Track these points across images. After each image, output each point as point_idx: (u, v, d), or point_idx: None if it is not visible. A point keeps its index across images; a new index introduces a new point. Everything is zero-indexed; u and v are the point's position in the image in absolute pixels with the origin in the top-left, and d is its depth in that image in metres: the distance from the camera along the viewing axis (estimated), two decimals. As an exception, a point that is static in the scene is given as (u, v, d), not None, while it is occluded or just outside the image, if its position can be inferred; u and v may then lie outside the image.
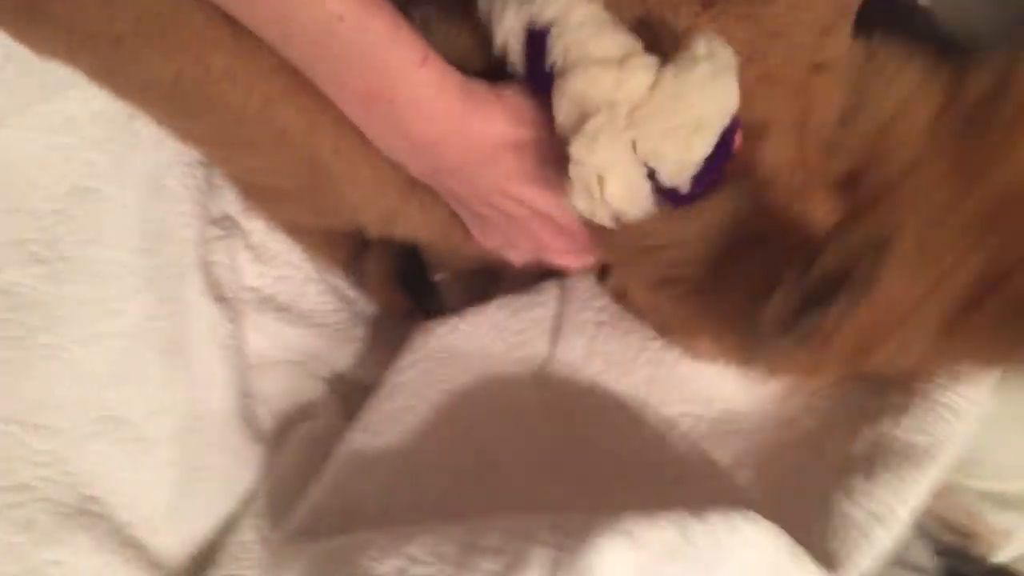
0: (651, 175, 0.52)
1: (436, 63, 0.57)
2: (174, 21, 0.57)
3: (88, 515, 0.66)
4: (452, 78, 0.57)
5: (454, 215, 0.67)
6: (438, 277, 0.80)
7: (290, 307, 0.77)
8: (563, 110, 0.52)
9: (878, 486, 0.56)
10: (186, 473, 0.69)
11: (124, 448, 0.67)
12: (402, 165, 0.61)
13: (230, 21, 0.56)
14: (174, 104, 0.62)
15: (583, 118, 0.50)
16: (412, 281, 0.79)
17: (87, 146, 0.65)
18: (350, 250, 0.80)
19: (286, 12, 0.53)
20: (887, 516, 0.54)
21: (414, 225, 0.69)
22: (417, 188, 0.64)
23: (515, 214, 0.62)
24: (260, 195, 0.73)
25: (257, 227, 0.77)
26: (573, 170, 0.51)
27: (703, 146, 0.51)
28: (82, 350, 0.66)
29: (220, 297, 0.72)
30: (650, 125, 0.49)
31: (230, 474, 0.71)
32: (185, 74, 0.58)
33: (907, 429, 0.58)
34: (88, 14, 0.57)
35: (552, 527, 0.51)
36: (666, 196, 0.54)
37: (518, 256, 0.68)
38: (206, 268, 0.72)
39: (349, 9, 0.53)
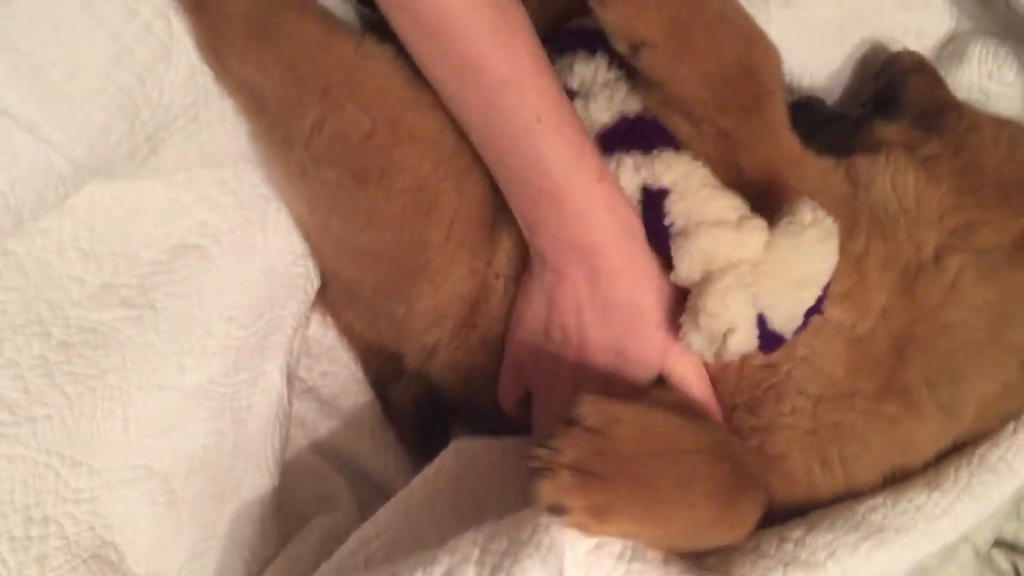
0: (760, 323, 0.59)
1: (612, 184, 0.63)
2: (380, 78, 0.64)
3: (100, 561, 0.65)
4: (624, 207, 0.63)
5: (485, 370, 0.72)
6: (454, 427, 0.82)
7: (330, 402, 0.79)
8: (686, 265, 0.59)
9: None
10: (205, 539, 0.69)
11: (153, 500, 0.67)
12: (543, 259, 0.65)
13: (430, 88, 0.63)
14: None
15: (708, 274, 0.57)
16: (429, 423, 0.81)
17: (205, 208, 0.70)
18: (384, 374, 0.83)
19: (494, 101, 0.60)
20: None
21: (448, 366, 0.74)
22: (466, 331, 0.70)
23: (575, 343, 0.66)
24: (336, 290, 0.77)
25: (313, 319, 0.80)
26: (704, 320, 0.56)
27: (812, 299, 0.58)
28: (141, 396, 0.67)
29: (290, 379, 0.75)
30: (770, 281, 0.57)
31: (246, 548, 0.71)
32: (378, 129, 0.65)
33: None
34: (312, 57, 0.63)
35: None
36: (767, 341, 0.60)
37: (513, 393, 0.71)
38: (289, 349, 0.74)
39: (546, 111, 0.59)
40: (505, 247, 0.70)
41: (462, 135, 0.66)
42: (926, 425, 0.63)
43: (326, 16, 0.67)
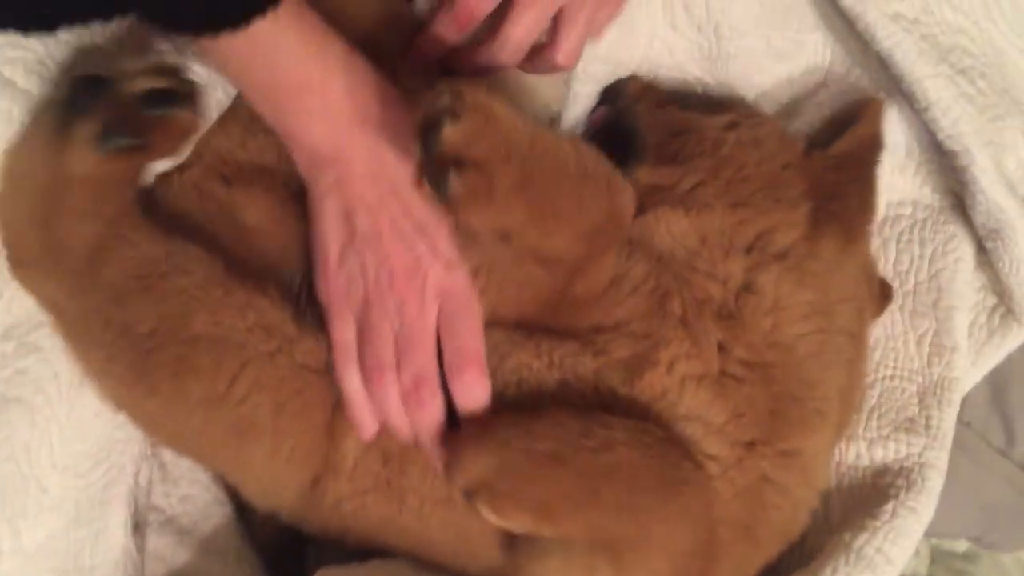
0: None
1: (361, 56, 0.61)
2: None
3: None
4: (376, 73, 0.62)
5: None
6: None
7: (191, 531, 0.75)
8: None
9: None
10: None
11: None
12: (317, 152, 0.62)
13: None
14: None
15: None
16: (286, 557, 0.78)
17: (23, 354, 0.64)
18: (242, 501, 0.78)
19: None
20: None
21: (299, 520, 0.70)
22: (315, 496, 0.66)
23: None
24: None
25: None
26: None
27: None
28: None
29: (136, 526, 0.70)
30: None
31: None
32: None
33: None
34: None
35: None
36: None
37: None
38: (132, 496, 0.70)
39: (284, 7, 0.56)
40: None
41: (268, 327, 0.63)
42: (812, 439, 0.65)
43: None
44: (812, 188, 0.68)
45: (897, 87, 0.72)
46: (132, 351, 0.61)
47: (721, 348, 0.63)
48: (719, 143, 0.70)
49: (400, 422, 0.63)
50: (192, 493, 0.76)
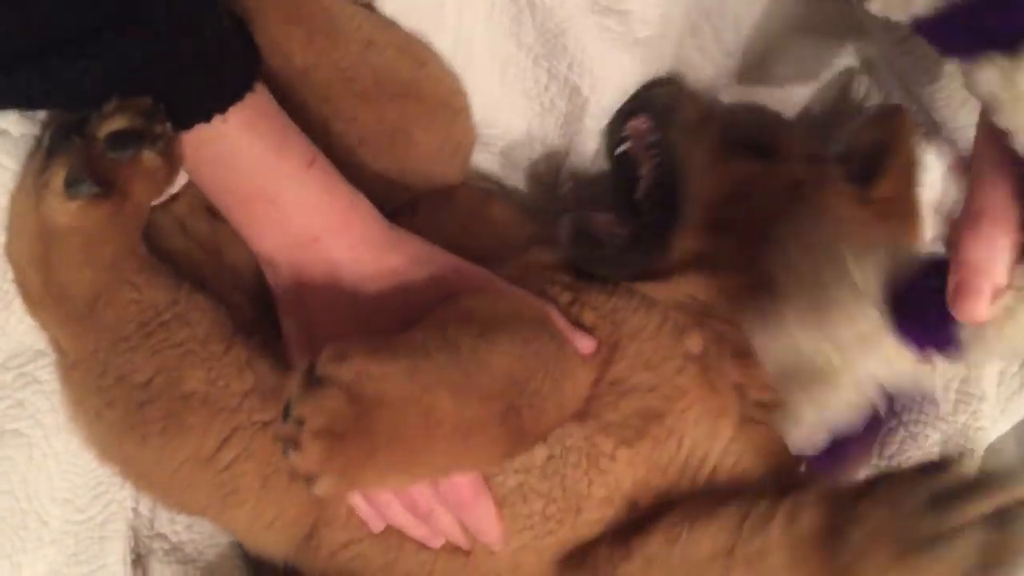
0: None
1: (324, 167, 0.59)
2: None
3: None
4: (341, 184, 0.60)
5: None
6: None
7: (196, 559, 0.74)
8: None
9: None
10: None
11: None
12: (275, 265, 0.61)
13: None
14: None
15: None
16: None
17: (21, 385, 0.63)
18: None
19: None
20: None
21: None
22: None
23: None
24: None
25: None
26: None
27: None
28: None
29: (136, 559, 0.69)
30: None
31: None
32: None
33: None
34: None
35: None
36: None
37: None
38: (130, 527, 0.69)
39: (232, 114, 0.55)
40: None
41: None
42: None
43: None
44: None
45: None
46: (127, 400, 0.59)
47: (738, 390, 0.62)
48: (778, 209, 0.65)
49: (406, 523, 0.61)
50: (197, 521, 0.75)
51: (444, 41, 0.74)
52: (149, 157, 0.54)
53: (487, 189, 0.81)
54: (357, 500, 0.61)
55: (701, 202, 0.67)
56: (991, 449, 0.74)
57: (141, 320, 0.60)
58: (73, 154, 0.54)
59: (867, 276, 0.51)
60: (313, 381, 0.47)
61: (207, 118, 0.55)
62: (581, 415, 0.60)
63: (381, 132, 0.70)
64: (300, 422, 0.46)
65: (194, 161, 0.57)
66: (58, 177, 0.54)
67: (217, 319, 0.62)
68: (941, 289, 0.46)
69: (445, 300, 0.59)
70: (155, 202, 0.62)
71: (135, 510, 0.69)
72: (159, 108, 0.53)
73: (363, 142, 0.69)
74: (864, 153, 0.70)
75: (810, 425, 0.57)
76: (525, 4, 0.72)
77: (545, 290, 0.65)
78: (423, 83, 0.71)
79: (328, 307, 0.60)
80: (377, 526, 0.62)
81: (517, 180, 0.82)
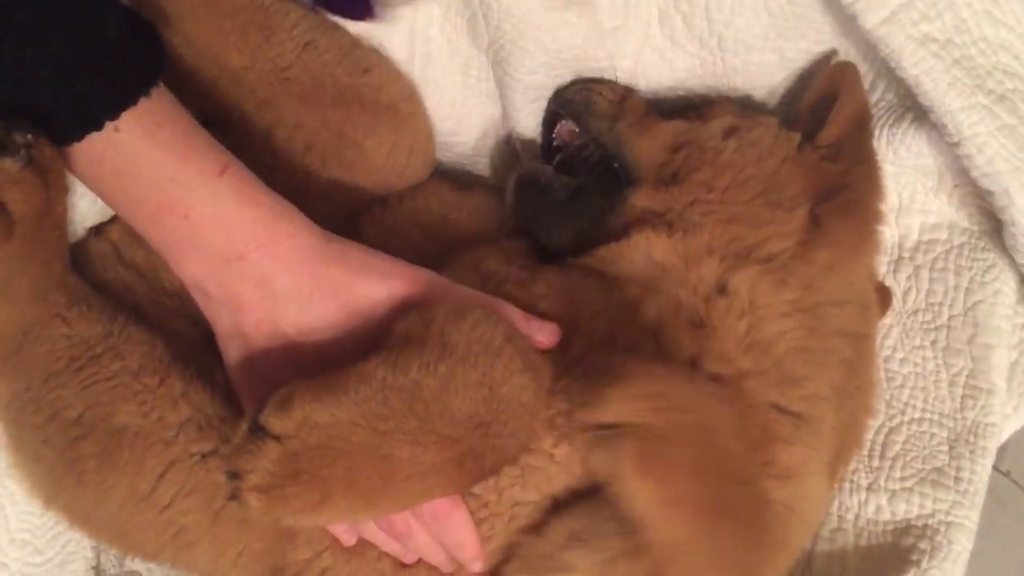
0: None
1: (239, 173, 0.55)
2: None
3: None
4: (261, 192, 0.55)
5: None
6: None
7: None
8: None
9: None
10: None
11: None
12: (203, 289, 0.57)
13: None
14: None
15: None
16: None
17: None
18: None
19: None
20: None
21: None
22: None
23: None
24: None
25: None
26: None
27: None
28: None
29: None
30: None
31: None
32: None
33: None
34: None
35: None
36: None
37: None
38: (91, 567, 0.69)
39: (129, 119, 0.52)
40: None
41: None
42: (791, 449, 0.58)
43: None
44: (811, 184, 0.63)
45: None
46: (61, 437, 0.58)
47: (692, 364, 0.58)
48: (718, 152, 0.64)
49: (379, 539, 0.58)
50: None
51: (399, 46, 0.70)
52: (8, 165, 0.51)
53: (461, 179, 0.78)
54: None
55: (644, 159, 0.66)
56: (1004, 448, 0.70)
57: (72, 355, 0.58)
58: None
59: None
60: (256, 433, 0.46)
61: (98, 126, 0.51)
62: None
63: (327, 138, 0.67)
64: (238, 476, 0.45)
65: (97, 177, 0.54)
66: None
67: (152, 351, 0.60)
68: None
69: (400, 319, 0.54)
70: (89, 224, 0.62)
71: (95, 548, 0.68)
72: (16, 118, 0.51)
73: (310, 149, 0.67)
74: (814, 105, 0.68)
75: None
76: (479, 5, 0.68)
77: (501, 269, 0.62)
78: (365, 88, 0.68)
79: (267, 332, 0.56)
80: (348, 540, 0.59)
81: (484, 168, 0.79)
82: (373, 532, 0.57)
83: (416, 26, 0.70)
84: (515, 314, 0.57)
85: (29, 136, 0.51)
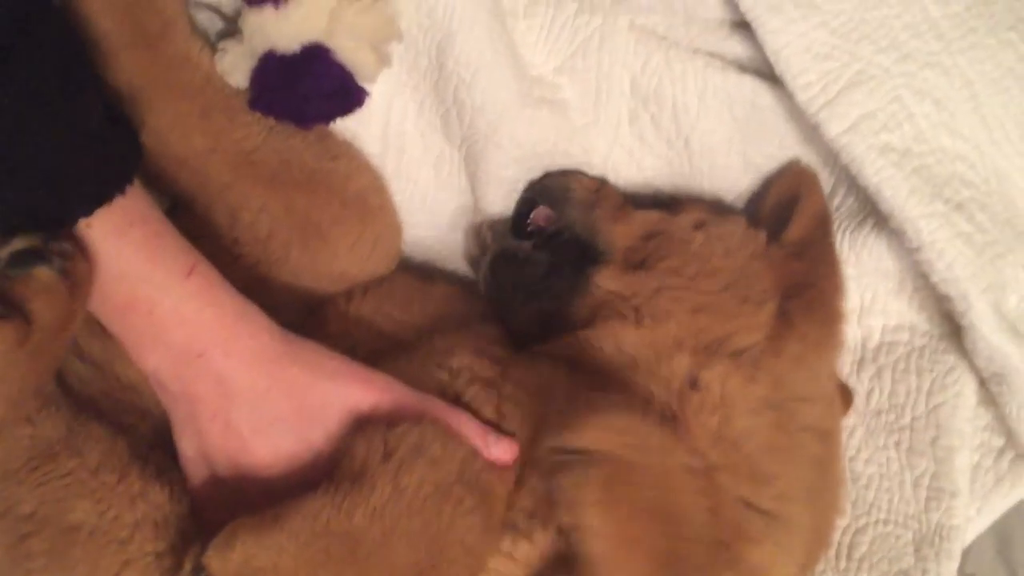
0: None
1: (206, 275, 0.56)
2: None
3: None
4: (225, 294, 0.57)
5: None
6: None
7: None
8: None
9: None
10: None
11: None
12: (161, 383, 0.57)
13: None
14: None
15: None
16: None
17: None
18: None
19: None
20: None
21: None
22: None
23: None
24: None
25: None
26: None
27: None
28: None
29: None
30: None
31: None
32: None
33: None
34: None
35: None
36: None
37: None
38: None
39: (98, 219, 0.52)
40: None
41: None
42: (761, 548, 0.57)
43: None
44: (779, 280, 0.65)
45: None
46: (9, 534, 0.56)
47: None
48: (687, 241, 0.66)
49: None
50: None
51: (372, 139, 0.71)
52: (44, 273, 0.51)
53: (428, 269, 0.78)
54: None
55: (615, 243, 0.66)
56: (968, 551, 0.70)
57: (31, 455, 0.57)
58: None
59: None
60: (198, 574, 0.46)
61: (70, 223, 0.52)
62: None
63: (292, 224, 0.67)
64: None
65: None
66: None
67: (112, 448, 0.59)
68: None
69: (357, 442, 0.55)
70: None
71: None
72: (57, 229, 0.51)
73: (273, 235, 0.67)
74: (775, 206, 0.70)
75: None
76: (453, 103, 0.69)
77: (471, 365, 0.62)
78: (332, 176, 0.68)
79: (221, 427, 0.56)
80: None
81: (452, 261, 0.79)
82: None
83: (391, 119, 0.71)
84: (473, 430, 0.58)
85: (67, 246, 0.52)
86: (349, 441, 0.55)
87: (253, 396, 0.56)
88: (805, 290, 0.65)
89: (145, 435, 0.62)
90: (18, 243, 0.51)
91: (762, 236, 0.67)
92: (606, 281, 0.64)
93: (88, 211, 0.52)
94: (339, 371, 0.59)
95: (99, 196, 0.52)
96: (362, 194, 0.70)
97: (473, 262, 0.78)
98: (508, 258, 0.69)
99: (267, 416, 0.56)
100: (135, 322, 0.55)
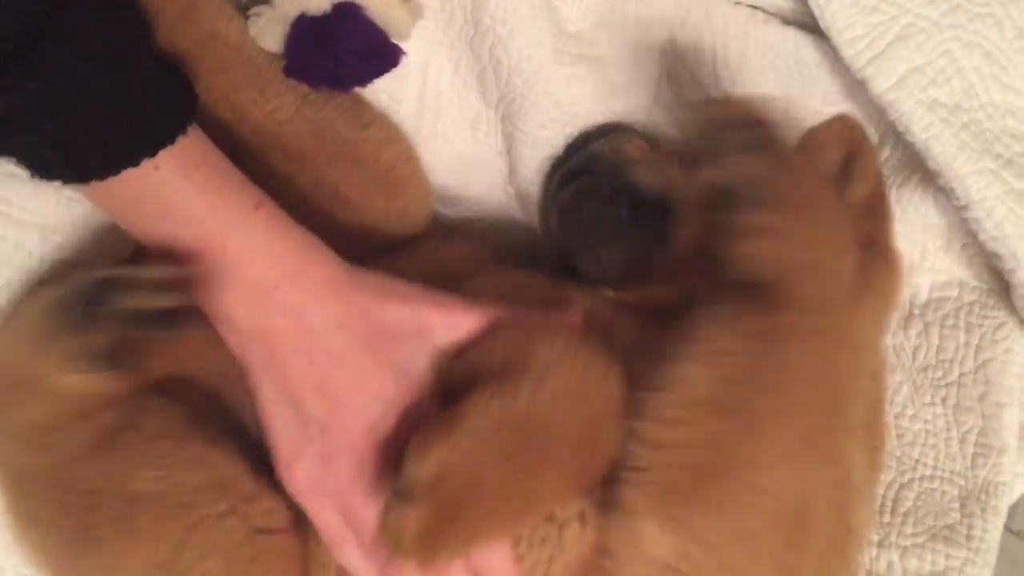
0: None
1: (272, 210, 0.57)
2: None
3: None
4: (292, 227, 0.57)
5: None
6: None
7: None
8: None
9: None
10: None
11: None
12: (235, 324, 0.58)
13: None
14: None
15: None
16: None
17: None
18: None
19: None
20: None
21: None
22: None
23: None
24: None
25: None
26: None
27: None
28: None
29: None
30: None
31: None
32: None
33: None
34: None
35: None
36: None
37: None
38: None
39: (164, 160, 0.53)
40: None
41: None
42: None
43: None
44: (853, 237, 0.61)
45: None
46: (76, 509, 0.57)
47: None
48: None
49: None
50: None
51: (409, 103, 0.71)
52: (163, 337, 0.55)
53: (452, 227, 0.78)
54: (367, 571, 0.58)
55: (689, 202, 0.64)
56: (1015, 508, 0.70)
57: (92, 440, 0.58)
58: (93, 328, 0.53)
59: None
60: (402, 494, 0.49)
61: (135, 162, 0.52)
62: None
63: (319, 195, 0.67)
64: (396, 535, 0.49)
65: (133, 214, 0.55)
66: (78, 350, 0.54)
67: (168, 417, 0.60)
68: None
69: (484, 345, 0.57)
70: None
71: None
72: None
73: (298, 207, 0.65)
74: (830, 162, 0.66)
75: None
76: (488, 61, 0.68)
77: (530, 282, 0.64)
78: (364, 145, 0.68)
79: (303, 361, 0.56)
80: None
81: (486, 225, 0.79)
82: None
83: (427, 80, 0.70)
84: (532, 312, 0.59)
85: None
86: (492, 343, 0.57)
87: (329, 325, 0.56)
88: (874, 248, 0.63)
89: (197, 403, 0.62)
90: (145, 299, 0.53)
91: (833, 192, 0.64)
92: (687, 234, 0.63)
93: (153, 151, 0.52)
94: (409, 295, 0.59)
95: (163, 136, 0.53)
96: (393, 164, 0.69)
97: (540, 203, 0.76)
98: (593, 194, 0.67)
99: (344, 343, 0.56)
100: (208, 263, 0.55)
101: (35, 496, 0.60)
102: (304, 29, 0.63)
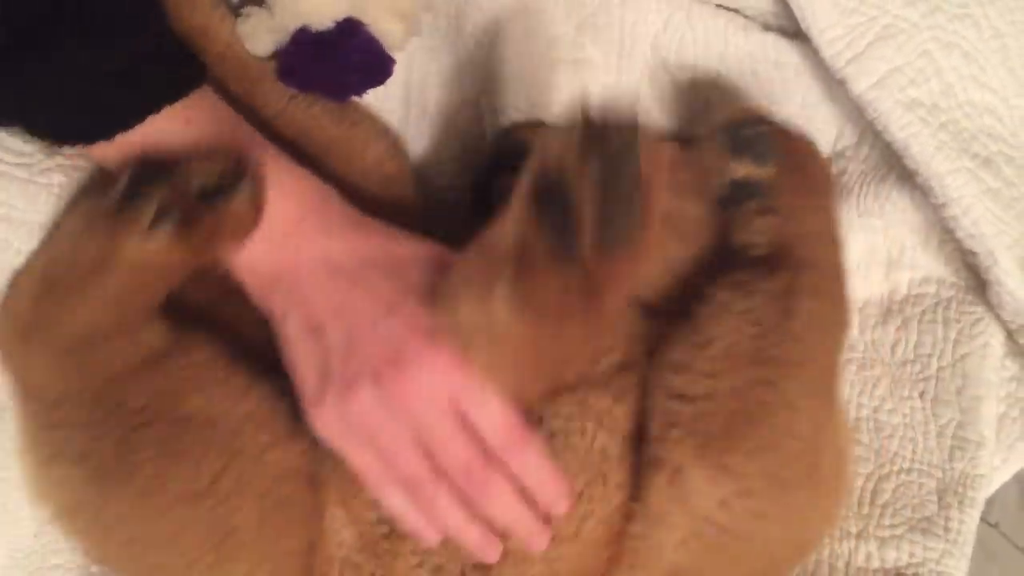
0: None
1: (281, 157, 0.59)
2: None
3: None
4: (303, 170, 0.60)
5: None
6: None
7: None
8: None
9: None
10: None
11: None
12: (256, 270, 0.58)
13: None
14: None
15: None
16: None
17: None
18: None
19: None
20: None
21: None
22: None
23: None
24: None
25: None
26: None
27: None
28: None
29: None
30: None
31: None
32: None
33: None
34: None
35: None
36: None
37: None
38: None
39: (181, 109, 0.56)
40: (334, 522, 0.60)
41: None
42: None
43: None
44: None
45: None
46: (119, 428, 0.56)
47: None
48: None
49: (461, 525, 0.56)
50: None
51: (394, 96, 0.72)
52: (240, 200, 0.55)
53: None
54: (408, 513, 0.57)
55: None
56: (992, 500, 0.71)
57: (138, 359, 0.57)
58: (164, 192, 0.53)
59: None
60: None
61: (156, 109, 0.54)
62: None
63: None
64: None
65: None
66: (146, 212, 0.53)
67: (217, 348, 0.60)
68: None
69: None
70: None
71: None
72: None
73: None
74: None
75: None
76: (472, 59, 0.69)
77: None
78: (351, 143, 0.68)
79: (326, 291, 0.57)
80: (433, 539, 0.57)
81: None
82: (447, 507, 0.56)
83: (411, 79, 0.71)
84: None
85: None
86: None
87: (349, 253, 0.57)
88: None
89: (247, 336, 0.62)
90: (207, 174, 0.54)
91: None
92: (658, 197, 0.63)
93: (171, 100, 0.55)
94: (412, 236, 0.60)
95: (180, 87, 0.56)
96: (379, 161, 0.70)
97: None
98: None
99: (364, 268, 0.57)
100: None
101: (67, 424, 0.57)
102: (306, 42, 0.64)
